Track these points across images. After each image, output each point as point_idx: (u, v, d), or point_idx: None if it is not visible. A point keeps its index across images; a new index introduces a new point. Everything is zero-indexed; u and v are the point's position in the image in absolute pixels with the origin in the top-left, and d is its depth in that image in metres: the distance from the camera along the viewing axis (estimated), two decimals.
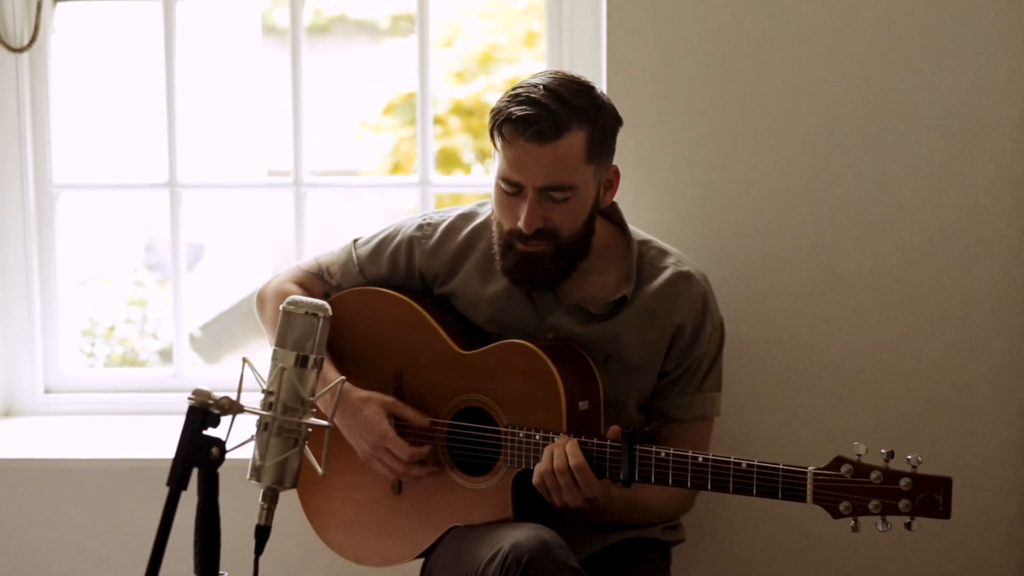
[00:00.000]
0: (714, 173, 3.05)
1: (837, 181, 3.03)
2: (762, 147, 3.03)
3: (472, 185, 3.80)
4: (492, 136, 2.58)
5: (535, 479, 2.49)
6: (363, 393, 2.68)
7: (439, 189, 3.44)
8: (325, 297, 2.78)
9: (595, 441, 2.47)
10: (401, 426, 2.68)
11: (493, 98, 8.71)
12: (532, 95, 2.52)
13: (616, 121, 2.60)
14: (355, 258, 2.82)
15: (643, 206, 3.02)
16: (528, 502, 2.57)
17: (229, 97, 9.42)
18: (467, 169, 8.44)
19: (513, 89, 2.56)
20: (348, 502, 2.77)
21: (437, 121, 8.39)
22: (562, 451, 2.46)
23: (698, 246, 3.00)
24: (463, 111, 8.14)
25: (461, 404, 2.65)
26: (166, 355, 6.95)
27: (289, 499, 2.46)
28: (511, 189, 2.56)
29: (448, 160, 8.29)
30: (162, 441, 3.21)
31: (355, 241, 2.85)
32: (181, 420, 3.39)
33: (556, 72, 2.60)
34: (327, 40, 12.09)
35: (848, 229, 3.04)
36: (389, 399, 2.68)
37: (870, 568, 3.09)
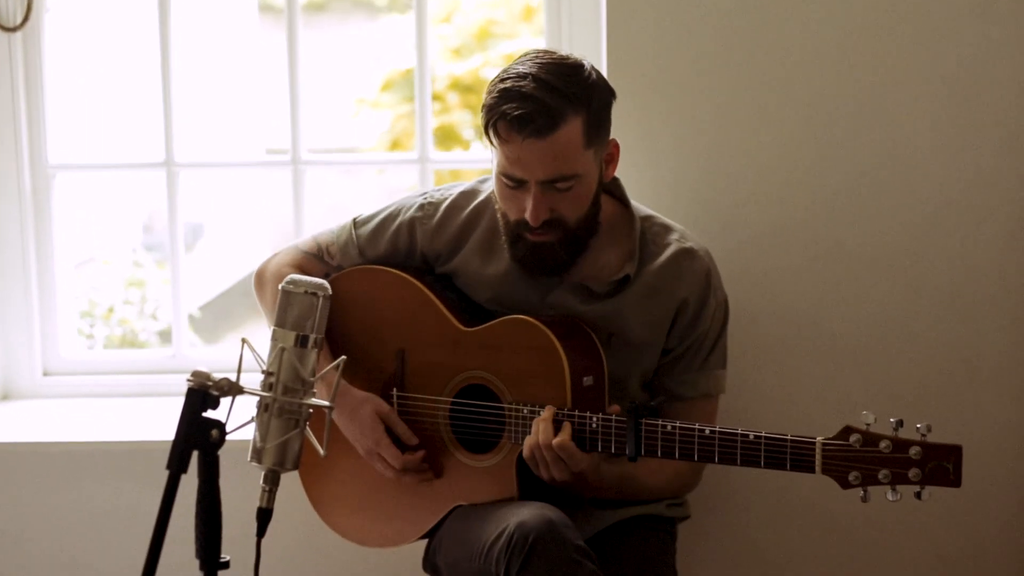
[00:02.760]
0: (715, 147, 3.02)
1: (839, 153, 3.00)
2: (763, 120, 3.00)
3: (472, 161, 3.76)
4: (487, 133, 2.54)
5: (524, 452, 2.49)
6: (362, 394, 2.67)
7: (438, 165, 3.41)
8: (325, 277, 2.75)
9: (578, 413, 2.46)
10: (403, 400, 2.67)
11: (492, 74, 8.64)
12: (522, 89, 2.46)
13: (609, 95, 2.56)
14: (355, 238, 2.78)
15: (644, 182, 2.98)
16: (533, 480, 2.55)
17: (226, 76, 9.37)
18: (466, 145, 8.38)
19: (501, 81, 2.50)
20: (350, 483, 2.75)
21: (435, 98, 8.33)
22: (547, 424, 2.46)
23: (700, 221, 2.96)
24: (462, 87, 8.08)
25: (464, 381, 2.62)
26: (166, 336, 6.92)
27: (289, 482, 2.43)
28: (513, 184, 2.53)
29: (447, 137, 8.23)
30: (162, 423, 3.19)
31: (354, 220, 2.81)
32: (181, 402, 3.39)
33: (541, 55, 2.53)
34: (324, 18, 12.04)
35: (851, 202, 3.01)
36: (385, 408, 2.66)
37: (877, 541, 3.07)
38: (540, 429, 2.46)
